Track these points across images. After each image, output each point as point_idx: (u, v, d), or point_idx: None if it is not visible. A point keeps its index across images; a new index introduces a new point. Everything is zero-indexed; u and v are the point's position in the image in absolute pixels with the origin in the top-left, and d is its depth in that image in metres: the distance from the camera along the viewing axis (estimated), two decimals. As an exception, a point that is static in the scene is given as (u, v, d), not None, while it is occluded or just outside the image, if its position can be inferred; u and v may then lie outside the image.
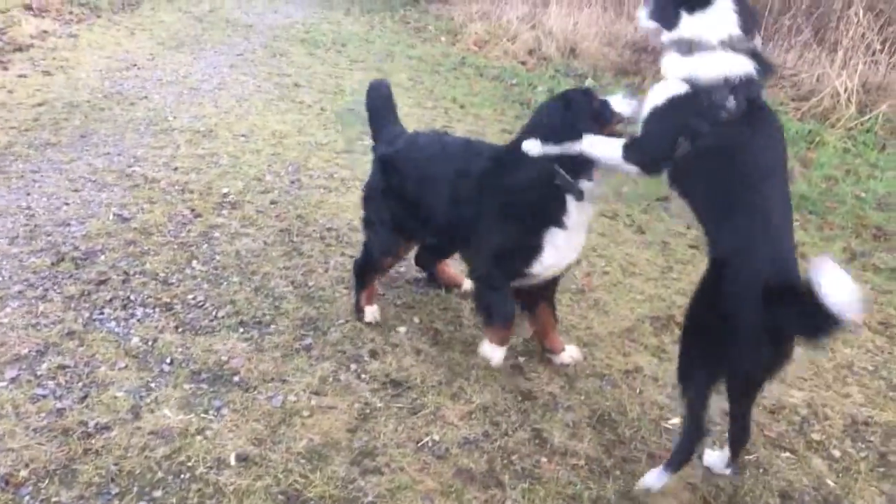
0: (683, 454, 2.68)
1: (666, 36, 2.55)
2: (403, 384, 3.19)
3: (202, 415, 2.86)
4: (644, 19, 2.67)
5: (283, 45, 9.74)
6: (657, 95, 2.55)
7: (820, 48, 9.24)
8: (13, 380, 2.91)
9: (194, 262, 3.98)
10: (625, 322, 3.91)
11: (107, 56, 7.91)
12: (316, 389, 3.10)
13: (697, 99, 2.41)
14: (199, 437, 2.74)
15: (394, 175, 3.44)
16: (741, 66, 2.39)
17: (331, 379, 3.18)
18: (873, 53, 8.43)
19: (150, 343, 3.27)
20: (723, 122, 2.38)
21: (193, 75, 7.67)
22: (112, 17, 9.79)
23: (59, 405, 2.81)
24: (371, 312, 3.64)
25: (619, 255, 4.69)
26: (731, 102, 2.37)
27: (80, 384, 2.95)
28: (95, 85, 6.84)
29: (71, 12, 9.52)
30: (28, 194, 4.54)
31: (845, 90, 7.87)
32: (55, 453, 2.59)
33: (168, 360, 3.17)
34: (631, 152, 2.62)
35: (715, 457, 2.89)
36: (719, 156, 2.44)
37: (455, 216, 3.22)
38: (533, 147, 2.91)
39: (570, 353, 3.49)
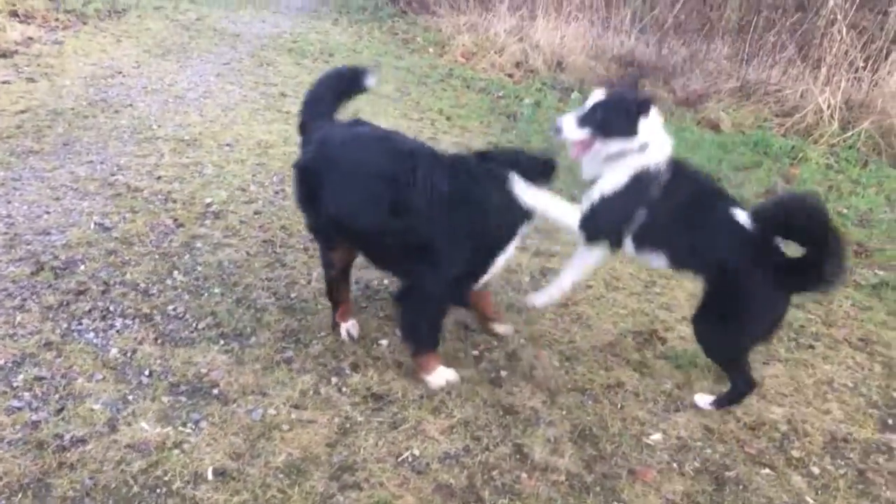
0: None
1: (614, 143, 3.04)
2: (384, 398, 3.18)
3: (180, 428, 2.84)
4: (575, 131, 3.05)
5: (271, 54, 9.72)
6: (612, 184, 3.09)
7: (804, 65, 9.34)
8: (-12, 391, 2.87)
9: (175, 273, 3.95)
10: (607, 336, 3.92)
11: (92, 63, 7.86)
12: (296, 403, 3.08)
13: (647, 181, 3.06)
14: (176, 451, 2.72)
15: (312, 183, 3.18)
16: (668, 143, 3.14)
17: (311, 392, 3.16)
18: (856, 70, 8.53)
19: (128, 354, 3.24)
20: (665, 187, 3.08)
21: (179, 83, 7.63)
22: (98, 24, 9.72)
23: (34, 417, 2.78)
24: (344, 329, 3.55)
25: (603, 269, 4.69)
26: (667, 173, 3.09)
27: (57, 396, 2.91)
28: (80, 92, 6.79)
29: (57, 19, 9.45)
30: (8, 202, 4.49)
31: (828, 107, 7.95)
32: (29, 467, 2.56)
33: (147, 373, 3.14)
34: (589, 226, 3.16)
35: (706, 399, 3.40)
36: (671, 209, 3.10)
37: (391, 229, 3.05)
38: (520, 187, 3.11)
39: (505, 327, 3.76)
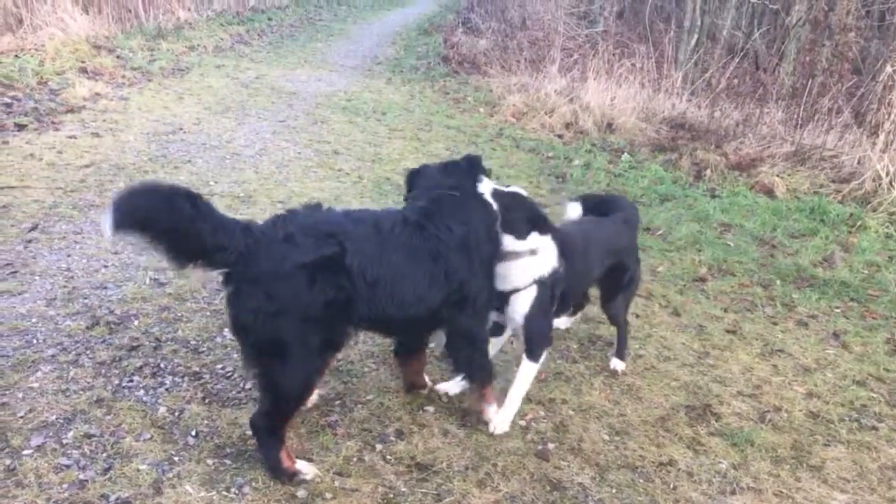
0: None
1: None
2: (429, 468, 3.12)
3: (223, 492, 2.82)
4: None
5: (325, 112, 9.96)
6: (527, 301, 3.44)
7: (861, 130, 9.19)
8: (38, 448, 2.90)
9: (226, 331, 3.98)
10: (658, 410, 3.80)
11: (155, 119, 8.15)
12: (340, 470, 3.04)
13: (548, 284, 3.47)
14: (219, 517, 2.69)
15: (335, 277, 2.76)
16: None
17: (355, 459, 3.12)
18: (915, 137, 8.34)
19: (176, 414, 3.25)
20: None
21: (236, 140, 7.85)
22: (162, 82, 10.12)
23: (82, 476, 2.79)
24: (307, 466, 2.97)
25: (654, 339, 4.60)
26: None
27: (105, 455, 2.93)
28: (142, 148, 7.03)
29: (123, 76, 9.87)
30: (69, 255, 4.62)
31: (887, 174, 7.77)
32: (74, 528, 2.56)
33: (193, 433, 3.14)
34: (537, 353, 3.51)
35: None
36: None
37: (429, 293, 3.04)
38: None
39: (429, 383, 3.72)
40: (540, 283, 3.41)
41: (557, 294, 3.55)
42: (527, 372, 3.51)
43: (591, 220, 4.17)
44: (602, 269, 3.97)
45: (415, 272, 2.96)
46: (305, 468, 2.95)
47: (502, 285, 3.39)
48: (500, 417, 3.46)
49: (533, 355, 3.50)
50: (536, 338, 3.50)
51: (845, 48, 10.27)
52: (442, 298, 3.05)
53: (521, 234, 3.36)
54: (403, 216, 3.06)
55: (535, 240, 3.40)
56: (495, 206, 3.31)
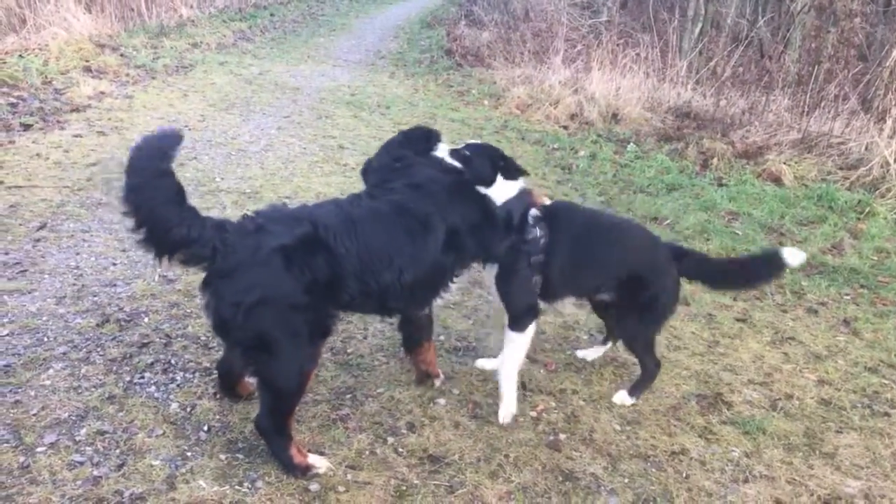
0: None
1: None
2: (441, 460, 3.12)
3: (237, 487, 2.82)
4: None
5: (329, 107, 9.95)
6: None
7: (868, 116, 9.14)
8: (52, 445, 2.91)
9: (235, 326, 3.98)
10: (669, 399, 3.79)
11: (160, 117, 8.15)
12: (352, 463, 3.04)
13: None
14: (233, 512, 2.70)
15: (313, 256, 2.71)
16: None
17: (367, 452, 3.12)
18: (923, 123, 8.29)
19: (188, 409, 3.26)
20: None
21: (242, 136, 7.85)
22: (166, 79, 10.12)
23: (95, 473, 2.80)
24: (319, 460, 2.96)
25: (664, 328, 4.58)
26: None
27: (118, 451, 2.93)
28: (147, 145, 7.02)
29: (127, 74, 9.87)
30: (77, 254, 4.63)
31: (895, 160, 7.72)
32: (89, 524, 2.57)
33: (205, 428, 3.15)
34: (521, 322, 3.41)
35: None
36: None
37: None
38: None
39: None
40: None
41: (533, 264, 3.33)
42: (513, 344, 3.40)
43: (617, 216, 3.96)
44: (612, 275, 3.53)
45: (392, 232, 2.90)
46: (318, 462, 2.95)
47: None
48: (502, 407, 3.43)
49: (517, 324, 3.39)
50: (515, 304, 3.38)
51: (851, 34, 10.19)
52: (434, 249, 2.98)
53: (488, 181, 3.35)
54: (358, 194, 3.09)
55: (502, 184, 3.37)
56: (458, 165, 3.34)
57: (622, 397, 3.70)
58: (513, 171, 3.45)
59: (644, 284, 3.50)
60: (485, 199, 3.32)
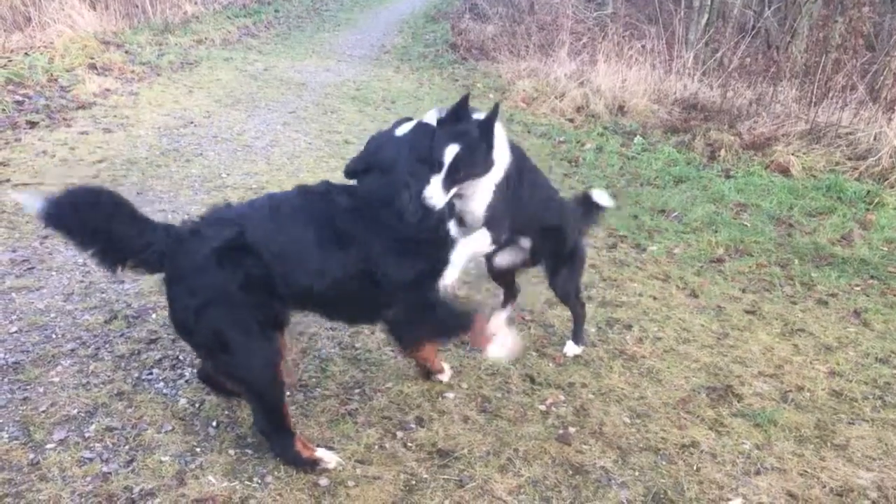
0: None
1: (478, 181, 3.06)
2: (450, 454, 3.11)
3: (246, 482, 2.82)
4: (444, 197, 2.86)
5: (334, 102, 9.94)
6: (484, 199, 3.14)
7: (876, 106, 9.06)
8: (61, 441, 2.92)
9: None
10: (679, 392, 3.77)
11: (165, 114, 8.15)
12: (361, 458, 3.04)
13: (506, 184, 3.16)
14: (242, 507, 2.70)
15: (241, 256, 2.71)
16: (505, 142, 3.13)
17: (376, 447, 3.12)
18: (933, 112, 8.23)
19: (197, 405, 3.26)
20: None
21: (247, 132, 7.85)
22: (171, 76, 10.12)
23: (105, 469, 2.80)
24: (326, 453, 2.97)
25: (673, 320, 4.56)
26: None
27: (127, 447, 2.93)
28: (153, 142, 7.03)
29: (132, 71, 9.87)
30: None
31: (905, 150, 7.66)
32: (99, 520, 2.57)
33: (214, 424, 3.15)
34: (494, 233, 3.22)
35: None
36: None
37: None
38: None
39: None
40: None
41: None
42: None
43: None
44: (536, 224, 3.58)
45: (316, 238, 2.82)
46: (327, 456, 2.94)
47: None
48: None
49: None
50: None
51: (859, 23, 10.09)
52: (349, 265, 2.85)
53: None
54: (296, 193, 3.00)
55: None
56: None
57: (569, 347, 4.04)
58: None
59: (563, 235, 3.78)
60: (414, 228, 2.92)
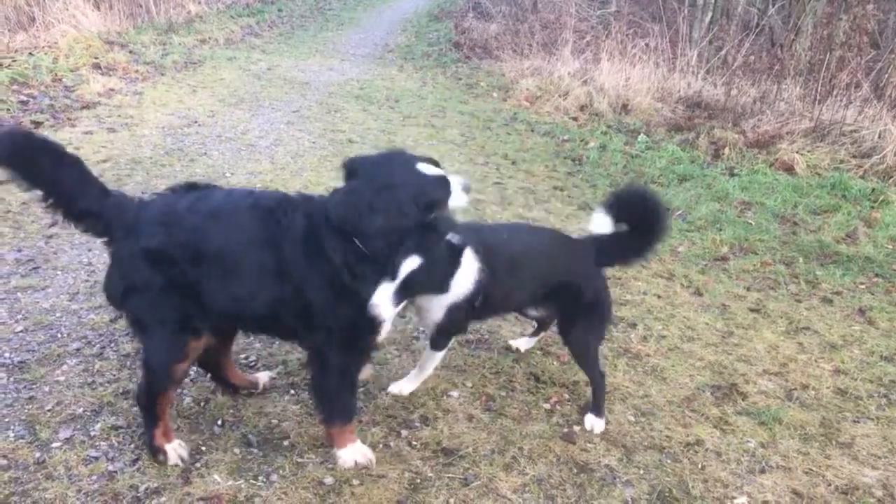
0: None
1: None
2: (455, 453, 3.11)
3: (252, 481, 2.82)
4: (392, 309, 2.67)
5: (338, 101, 9.94)
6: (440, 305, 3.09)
7: (881, 104, 9.04)
8: (67, 440, 2.92)
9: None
10: (684, 390, 3.77)
11: (169, 113, 8.16)
12: (366, 456, 3.04)
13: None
14: (247, 506, 2.70)
15: (172, 261, 2.71)
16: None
17: (381, 445, 3.12)
18: (937, 110, 8.20)
19: (202, 404, 3.26)
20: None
21: (251, 132, 7.85)
22: (175, 76, 10.13)
23: (110, 468, 2.81)
24: (177, 448, 2.91)
25: (677, 319, 4.56)
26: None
27: (133, 446, 2.94)
28: (158, 141, 7.04)
29: (136, 70, 9.88)
30: (89, 250, 4.64)
31: (909, 147, 7.64)
32: (105, 519, 2.57)
33: (219, 422, 3.16)
34: (440, 341, 3.34)
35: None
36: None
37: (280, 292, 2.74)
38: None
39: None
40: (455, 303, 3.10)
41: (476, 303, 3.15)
42: (431, 360, 3.42)
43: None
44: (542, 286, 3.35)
45: (247, 263, 2.71)
46: (171, 453, 2.86)
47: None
48: (405, 380, 3.49)
49: (436, 345, 3.36)
50: (443, 332, 3.28)
51: (863, 21, 10.06)
52: (275, 301, 2.74)
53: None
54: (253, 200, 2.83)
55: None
56: None
57: (591, 420, 3.39)
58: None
59: (578, 290, 3.35)
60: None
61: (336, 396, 2.90)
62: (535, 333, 3.99)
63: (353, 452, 2.94)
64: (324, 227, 2.62)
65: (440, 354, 3.40)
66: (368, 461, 2.95)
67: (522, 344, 3.99)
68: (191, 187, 2.91)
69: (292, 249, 2.68)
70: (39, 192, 2.65)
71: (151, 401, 2.84)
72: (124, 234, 2.73)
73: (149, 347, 2.84)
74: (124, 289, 2.74)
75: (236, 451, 2.99)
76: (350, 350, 2.85)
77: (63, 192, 2.68)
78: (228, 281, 2.72)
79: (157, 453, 2.87)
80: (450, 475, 2.98)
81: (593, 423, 3.37)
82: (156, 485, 2.74)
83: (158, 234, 2.69)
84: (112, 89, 8.79)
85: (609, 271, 5.15)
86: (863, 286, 5.34)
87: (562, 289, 3.35)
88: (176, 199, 2.83)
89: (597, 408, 3.41)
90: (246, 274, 2.72)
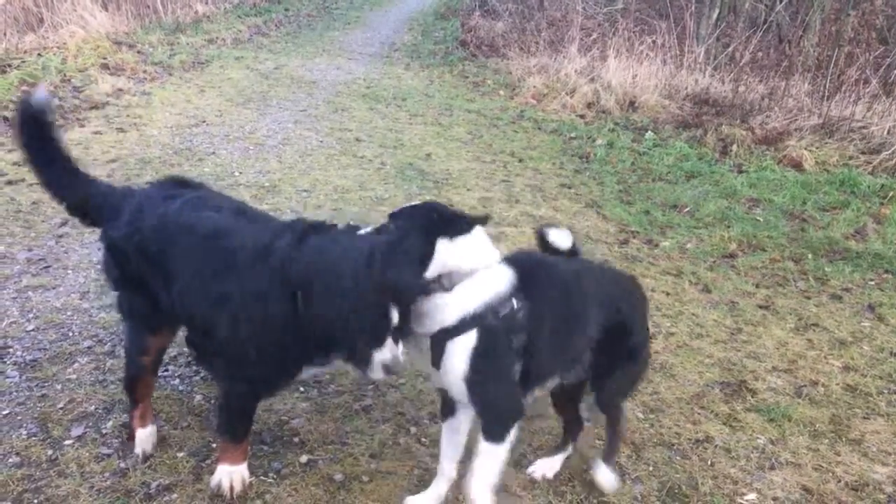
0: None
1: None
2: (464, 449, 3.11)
3: (262, 477, 2.84)
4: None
5: (345, 100, 9.96)
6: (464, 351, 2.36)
7: (890, 100, 9.01)
8: (79, 438, 2.95)
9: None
10: (693, 387, 3.77)
11: (178, 113, 8.20)
12: (375, 453, 3.05)
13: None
14: (258, 502, 2.72)
15: (131, 258, 2.71)
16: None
17: (390, 442, 3.13)
18: (947, 105, 8.16)
19: (212, 401, 3.28)
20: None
21: (259, 131, 7.88)
22: (183, 75, 10.17)
23: (122, 465, 2.83)
24: (145, 437, 2.90)
25: (686, 316, 4.56)
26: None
27: (144, 443, 2.96)
28: (166, 141, 7.08)
29: (145, 71, 9.92)
30: (100, 249, 4.63)
31: (919, 143, 7.61)
32: (117, 515, 2.60)
33: (229, 420, 3.16)
34: (499, 431, 2.46)
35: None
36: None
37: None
38: None
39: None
40: (480, 322, 2.32)
41: (515, 347, 2.40)
42: (486, 458, 2.48)
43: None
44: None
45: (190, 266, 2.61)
46: (138, 441, 2.86)
47: (420, 327, 2.40)
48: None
49: (492, 434, 2.45)
50: (494, 406, 2.46)
51: (872, 17, 10.05)
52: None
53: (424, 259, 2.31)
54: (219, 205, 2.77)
55: (448, 247, 2.33)
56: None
57: (602, 475, 2.92)
58: (461, 224, 2.41)
59: (627, 332, 2.75)
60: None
61: (227, 416, 2.75)
62: (562, 445, 3.09)
63: (228, 473, 2.70)
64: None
65: (500, 448, 2.46)
66: (230, 490, 2.69)
67: (548, 468, 3.04)
68: (180, 184, 2.95)
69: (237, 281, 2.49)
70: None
71: (130, 384, 2.92)
72: (108, 227, 2.83)
73: (125, 335, 3.00)
74: (110, 279, 2.91)
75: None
76: (251, 385, 2.68)
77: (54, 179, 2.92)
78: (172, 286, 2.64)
79: (129, 436, 2.94)
80: (459, 471, 2.98)
81: (607, 479, 2.89)
82: (167, 481, 2.76)
83: (133, 236, 2.70)
84: (120, 89, 8.83)
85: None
86: (872, 282, 5.32)
87: (614, 331, 2.68)
88: (162, 194, 2.82)
89: (610, 457, 2.94)
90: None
